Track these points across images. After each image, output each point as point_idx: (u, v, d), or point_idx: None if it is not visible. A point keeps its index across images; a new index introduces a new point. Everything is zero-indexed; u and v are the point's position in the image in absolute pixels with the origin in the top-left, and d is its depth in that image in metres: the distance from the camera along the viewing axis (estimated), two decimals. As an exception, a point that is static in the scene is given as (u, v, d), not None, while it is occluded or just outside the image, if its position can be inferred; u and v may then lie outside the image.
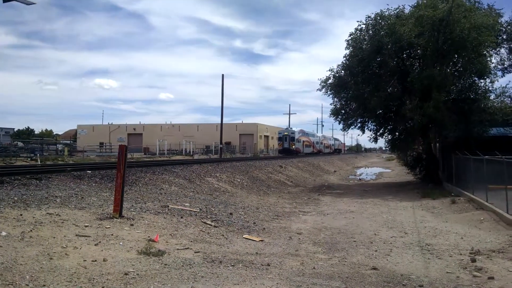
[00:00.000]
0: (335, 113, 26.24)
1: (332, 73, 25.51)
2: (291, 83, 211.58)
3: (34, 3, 26.34)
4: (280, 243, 8.98)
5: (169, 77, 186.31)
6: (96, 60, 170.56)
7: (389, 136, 26.89)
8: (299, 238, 9.69)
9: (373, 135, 26.60)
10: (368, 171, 51.53)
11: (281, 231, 10.57)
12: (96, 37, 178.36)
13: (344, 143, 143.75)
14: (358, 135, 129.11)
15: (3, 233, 6.59)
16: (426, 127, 22.85)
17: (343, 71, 25.34)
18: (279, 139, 62.09)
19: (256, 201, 16.69)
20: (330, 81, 25.47)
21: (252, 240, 9.04)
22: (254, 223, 11.24)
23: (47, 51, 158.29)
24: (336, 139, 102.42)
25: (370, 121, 26.42)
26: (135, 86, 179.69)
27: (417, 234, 10.41)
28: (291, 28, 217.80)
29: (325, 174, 39.73)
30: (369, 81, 23.66)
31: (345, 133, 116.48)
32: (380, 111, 24.65)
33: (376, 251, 8.42)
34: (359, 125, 26.55)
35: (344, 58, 25.10)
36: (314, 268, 6.90)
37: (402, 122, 24.04)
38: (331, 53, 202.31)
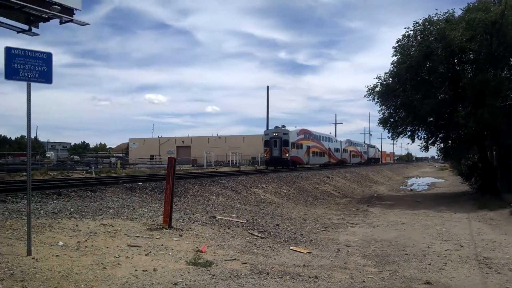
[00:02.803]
0: (383, 121, 25.64)
1: (380, 80, 25.02)
2: (336, 92, 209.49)
3: (88, 24, 27.74)
4: (328, 255, 8.81)
5: (215, 90, 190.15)
6: (146, 76, 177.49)
7: (441, 144, 25.85)
8: (348, 251, 9.47)
9: (424, 143, 25.67)
10: (420, 181, 49.68)
11: (329, 243, 10.38)
12: (146, 54, 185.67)
13: (394, 152, 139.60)
14: (408, 143, 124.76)
15: (60, 243, 6.91)
16: (481, 134, 21.78)
17: (390, 79, 24.78)
18: (265, 143, 40.40)
19: (302, 212, 16.52)
20: (377, 89, 24.97)
21: (300, 252, 8.93)
22: (301, 234, 11.11)
23: (100, 69, 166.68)
24: (371, 146, 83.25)
25: (420, 129, 25.58)
26: (183, 100, 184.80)
27: (473, 247, 9.87)
28: (336, 38, 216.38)
29: (374, 184, 38.73)
30: (418, 88, 22.96)
31: (395, 142, 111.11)
32: (431, 118, 23.82)
33: (429, 264, 8.06)
34: (408, 133, 25.73)
35: (392, 65, 24.57)
36: (363, 281, 6.70)
37: (454, 130, 23.06)
38: (376, 61, 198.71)
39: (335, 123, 75.38)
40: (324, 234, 11.71)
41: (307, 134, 44.91)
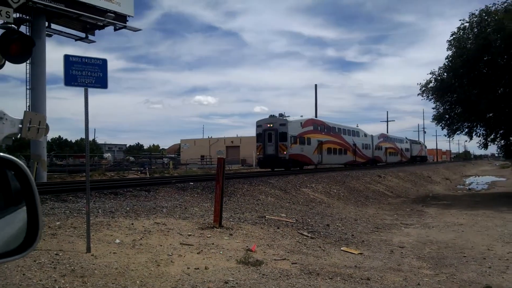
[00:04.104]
0: (438, 118, 24.69)
1: (433, 76, 24.11)
2: (387, 89, 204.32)
3: (140, 30, 28.78)
4: (380, 256, 8.58)
5: (263, 90, 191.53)
6: (196, 78, 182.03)
7: (502, 141, 24.51)
8: (402, 252, 9.17)
9: (483, 140, 24.51)
10: (479, 180, 47.27)
11: (382, 244, 10.10)
12: (195, 56, 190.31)
13: (450, 150, 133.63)
14: (465, 141, 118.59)
15: (117, 241, 7.21)
16: (546, 130, 20.42)
17: (445, 74, 23.80)
18: (258, 138, 30.95)
19: (353, 213, 16.20)
20: (431, 84, 24.08)
21: (351, 252, 8.76)
22: (352, 235, 10.90)
23: (152, 73, 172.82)
24: (414, 142, 70.90)
25: (478, 126, 24.40)
26: (232, 101, 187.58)
27: (539, 251, 9.25)
28: (385, 33, 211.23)
29: (429, 184, 37.28)
30: (476, 83, 21.87)
31: (451, 139, 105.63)
32: (490, 114, 22.63)
33: (489, 267, 7.63)
34: (466, 130, 24.63)
35: (446, 60, 23.57)
36: (418, 284, 6.47)
37: (517, 126, 21.79)
38: (429, 55, 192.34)
39: (387, 121, 73.23)
40: (376, 235, 11.42)
41: (318, 125, 35.01)
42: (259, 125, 30.85)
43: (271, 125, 29.96)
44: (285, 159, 29.24)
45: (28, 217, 1.77)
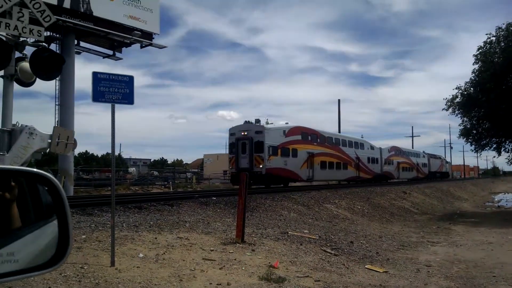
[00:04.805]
0: (465, 133, 24.19)
1: (460, 91, 23.68)
2: (412, 104, 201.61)
3: (165, 47, 29.41)
4: (406, 275, 8.38)
5: (286, 105, 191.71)
6: (219, 94, 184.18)
7: (532, 157, 23.77)
8: (428, 271, 8.93)
9: (512, 156, 23.79)
10: (508, 197, 45.73)
11: (407, 262, 9.86)
12: (218, 72, 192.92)
13: (478, 166, 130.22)
14: (494, 157, 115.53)
15: (141, 255, 7.28)
16: None
17: (472, 88, 23.35)
18: (230, 148, 26.88)
19: (378, 230, 15.91)
20: (457, 99, 23.65)
21: (376, 271, 8.58)
22: (377, 252, 10.69)
23: (177, 89, 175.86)
24: (434, 156, 63.80)
25: (507, 141, 23.74)
26: (255, 116, 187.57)
27: None
28: (410, 48, 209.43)
29: (456, 200, 36.35)
30: (504, 97, 21.35)
31: (479, 155, 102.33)
32: (519, 129, 22.03)
33: (521, 289, 7.36)
34: (494, 146, 24.00)
35: (473, 74, 23.17)
36: (446, 305, 6.27)
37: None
38: (455, 70, 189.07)
39: (412, 136, 71.99)
40: (402, 253, 11.16)
41: (308, 135, 29.62)
42: (232, 133, 26.24)
43: (246, 133, 25.30)
44: (261, 174, 24.36)
45: (59, 231, 1.82)
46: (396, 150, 47.71)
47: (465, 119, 24.32)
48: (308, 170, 28.51)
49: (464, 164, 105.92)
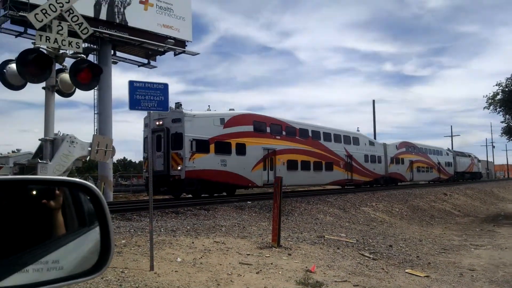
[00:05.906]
0: (508, 132, 23.26)
1: (500, 87, 22.79)
2: (451, 102, 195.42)
3: (198, 53, 29.89)
4: (449, 280, 8.10)
5: (319, 107, 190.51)
6: (252, 98, 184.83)
7: None
8: (472, 275, 8.59)
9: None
10: (557, 198, 43.46)
11: (450, 266, 9.54)
12: (251, 77, 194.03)
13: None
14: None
15: (179, 259, 7.38)
16: None
17: (513, 84, 22.42)
18: (145, 144, 19.92)
19: (418, 233, 15.47)
20: (498, 96, 22.77)
21: (416, 275, 8.34)
22: (417, 256, 10.39)
23: (210, 94, 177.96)
24: (461, 155, 54.41)
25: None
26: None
27: None
28: (446, 44, 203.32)
29: (500, 202, 34.89)
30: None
31: None
32: None
33: None
34: (539, 144, 22.94)
35: (515, 69, 22.25)
36: (493, 311, 6.02)
37: None
38: (495, 66, 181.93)
39: (451, 135, 69.55)
40: (444, 257, 10.80)
41: (261, 124, 22.33)
42: (146, 123, 19.53)
43: (160, 123, 18.89)
44: (179, 180, 18.22)
45: (101, 237, 1.87)
46: (408, 146, 39.95)
47: (507, 116, 23.39)
48: (267, 172, 21.85)
49: (507, 164, 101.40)
